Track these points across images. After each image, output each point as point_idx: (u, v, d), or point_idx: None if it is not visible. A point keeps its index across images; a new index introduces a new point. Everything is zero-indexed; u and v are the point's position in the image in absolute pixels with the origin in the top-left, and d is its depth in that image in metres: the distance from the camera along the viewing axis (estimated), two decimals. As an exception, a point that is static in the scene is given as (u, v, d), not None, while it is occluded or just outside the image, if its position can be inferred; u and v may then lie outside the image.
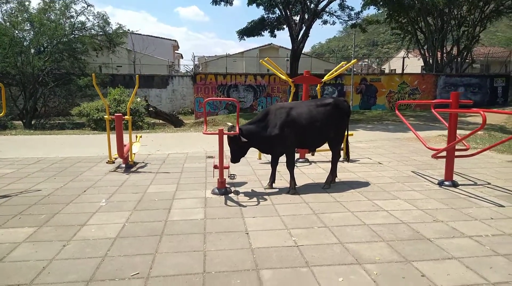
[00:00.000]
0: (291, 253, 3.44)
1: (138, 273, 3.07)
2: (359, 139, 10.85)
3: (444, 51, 26.94)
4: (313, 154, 7.43)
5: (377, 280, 2.97)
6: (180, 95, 26.09)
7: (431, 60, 26.51)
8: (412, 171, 6.74)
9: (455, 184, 5.63)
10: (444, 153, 5.72)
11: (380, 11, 27.32)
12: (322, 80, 7.28)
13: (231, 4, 20.12)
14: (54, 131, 14.53)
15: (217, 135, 5.17)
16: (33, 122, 18.77)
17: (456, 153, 5.77)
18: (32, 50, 19.38)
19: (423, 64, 28.94)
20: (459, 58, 26.98)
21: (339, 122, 5.60)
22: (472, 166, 7.08)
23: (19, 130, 15.02)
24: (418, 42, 27.40)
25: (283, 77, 7.35)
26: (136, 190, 5.55)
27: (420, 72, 29.47)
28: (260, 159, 7.65)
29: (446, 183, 5.67)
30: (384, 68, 41.73)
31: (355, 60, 8.55)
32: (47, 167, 7.14)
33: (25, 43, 19.04)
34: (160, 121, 19.17)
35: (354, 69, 33.84)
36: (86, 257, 3.37)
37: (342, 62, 7.64)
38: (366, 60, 43.06)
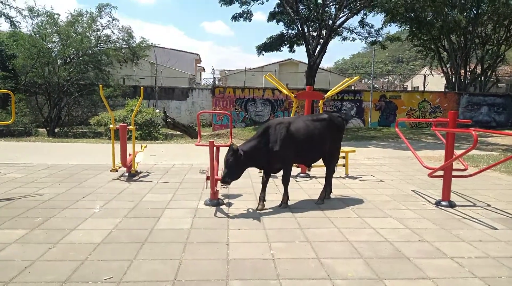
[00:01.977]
0: (265, 265, 3.48)
1: (111, 278, 3.17)
2: (368, 156, 10.75)
3: (468, 69, 26.42)
4: (309, 170, 7.45)
5: (343, 296, 2.97)
6: (199, 107, 26.56)
7: (454, 78, 26.03)
8: (412, 190, 6.63)
9: (452, 205, 5.51)
10: (441, 173, 5.62)
11: (402, 28, 27.21)
12: (325, 96, 7.32)
13: (249, 20, 20.58)
14: (71, 139, 15.09)
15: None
16: (56, 130, 19.56)
17: (454, 173, 5.66)
18: (59, 61, 20.32)
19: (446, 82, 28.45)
20: (483, 77, 26.38)
21: (334, 138, 5.66)
22: (476, 187, 6.91)
23: (39, 137, 15.66)
24: (441, 59, 27.01)
25: (285, 92, 7.45)
26: (132, 198, 5.71)
27: (443, 90, 28.96)
28: (261, 172, 7.70)
29: (443, 203, 5.56)
30: (407, 85, 41.23)
31: (358, 77, 8.57)
32: (55, 173, 7.44)
33: (52, 54, 19.97)
34: (178, 132, 19.59)
35: (376, 86, 33.60)
36: (67, 259, 3.51)
37: (346, 79, 7.68)
38: (389, 77, 42.65)
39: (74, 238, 4.03)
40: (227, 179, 4.98)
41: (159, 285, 3.06)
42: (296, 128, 5.31)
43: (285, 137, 5.15)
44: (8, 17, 21.18)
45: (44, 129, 19.30)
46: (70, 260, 3.49)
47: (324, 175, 5.96)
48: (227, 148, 5.18)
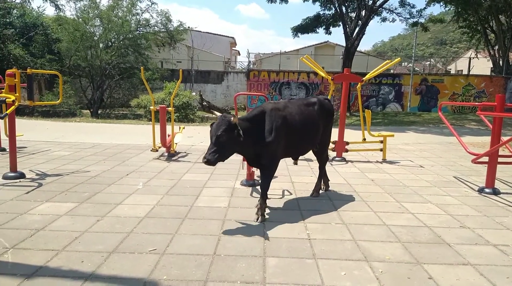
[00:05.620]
0: (301, 245, 3.53)
1: (155, 249, 3.34)
2: (406, 141, 10.47)
3: (517, 51, 24.76)
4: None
5: (380, 277, 2.97)
6: (234, 91, 26.64)
7: (501, 62, 24.53)
8: (454, 176, 6.43)
9: (496, 192, 5.31)
10: (486, 159, 5.41)
11: (447, 9, 25.82)
12: (363, 78, 7.16)
13: (286, 1, 20.21)
14: (113, 120, 15.71)
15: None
16: (99, 112, 20.33)
17: (500, 160, 5.43)
18: (101, 45, 20.94)
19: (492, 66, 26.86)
20: (534, 60, 24.67)
21: (325, 124, 4.94)
22: (523, 175, 6.59)
23: (83, 118, 16.41)
24: (487, 42, 25.46)
25: (322, 74, 7.35)
26: (172, 176, 5.93)
27: (489, 74, 27.42)
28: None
29: (487, 190, 5.36)
30: (450, 69, 39.33)
31: (399, 58, 8.27)
32: (100, 152, 7.82)
33: (94, 38, 20.61)
34: (213, 115, 19.84)
35: (417, 69, 32.30)
36: (114, 231, 3.72)
37: (386, 61, 7.45)
38: (431, 60, 40.87)
39: (120, 212, 4.26)
40: (212, 160, 3.87)
41: (200, 258, 3.19)
42: (291, 114, 4.42)
43: (282, 126, 4.21)
44: (52, 1, 21.99)
45: (88, 111, 20.12)
46: (116, 232, 3.70)
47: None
48: None
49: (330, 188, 5.41)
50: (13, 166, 5.56)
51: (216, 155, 3.89)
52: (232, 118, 3.91)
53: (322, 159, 5.21)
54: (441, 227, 4.06)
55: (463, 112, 23.38)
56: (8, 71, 5.49)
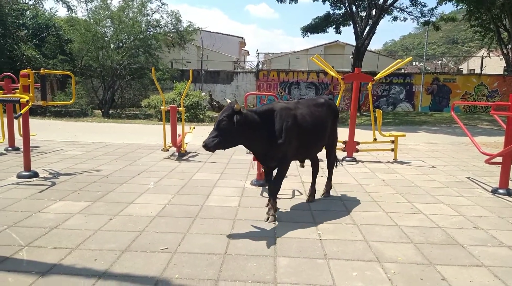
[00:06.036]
0: (312, 245, 3.52)
1: (167, 248, 3.37)
2: (418, 141, 10.38)
3: (532, 50, 24.33)
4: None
5: (392, 278, 2.95)
6: (243, 91, 26.65)
7: (515, 60, 24.17)
8: (466, 177, 6.36)
9: (510, 193, 5.23)
10: (499, 159, 5.33)
11: (459, 7, 25.51)
12: (374, 78, 7.11)
13: (296, 1, 20.16)
14: (124, 120, 15.86)
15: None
16: (110, 112, 20.54)
17: (514, 160, 5.34)
18: (112, 45, 21.13)
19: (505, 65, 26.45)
20: (549, 59, 24.22)
21: (333, 124, 4.88)
22: (538, 175, 6.47)
23: (95, 118, 16.59)
24: (500, 40, 25.07)
25: (333, 74, 7.32)
26: (183, 176, 5.96)
27: (502, 73, 27.01)
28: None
29: (500, 191, 5.29)
30: (462, 68, 38.84)
31: (410, 58, 8.19)
32: (112, 151, 7.90)
33: (106, 38, 20.81)
34: (223, 115, 19.88)
35: (428, 68, 31.96)
36: (126, 230, 3.76)
37: (398, 60, 7.39)
38: (443, 59, 40.35)
39: (132, 211, 4.30)
40: (211, 145, 3.65)
41: (211, 258, 3.21)
42: (302, 115, 4.30)
43: (293, 126, 4.09)
44: (64, 2, 22.28)
45: (99, 111, 20.33)
46: (129, 231, 3.73)
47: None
48: None
49: (340, 189, 5.41)
50: (27, 165, 5.65)
51: (216, 141, 3.67)
52: (235, 105, 3.73)
53: (330, 160, 5.15)
54: (454, 228, 4.02)
55: (476, 111, 23.09)
56: (22, 72, 5.58)
